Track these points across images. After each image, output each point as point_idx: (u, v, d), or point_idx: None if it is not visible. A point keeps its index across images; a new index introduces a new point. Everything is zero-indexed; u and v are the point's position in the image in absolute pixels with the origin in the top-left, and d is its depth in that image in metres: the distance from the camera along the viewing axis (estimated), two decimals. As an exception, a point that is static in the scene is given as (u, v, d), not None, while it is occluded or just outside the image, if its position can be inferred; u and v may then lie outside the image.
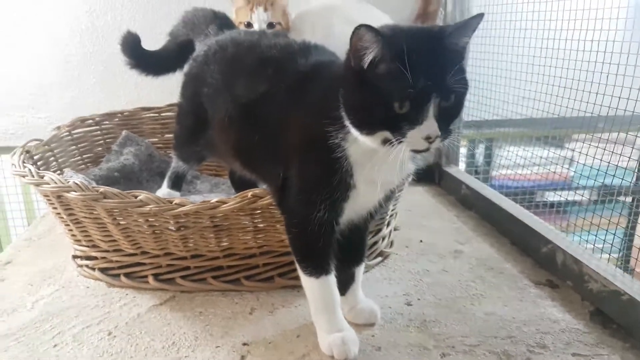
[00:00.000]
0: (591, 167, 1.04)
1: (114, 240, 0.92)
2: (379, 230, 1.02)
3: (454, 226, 1.23)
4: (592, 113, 1.01)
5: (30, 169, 0.89)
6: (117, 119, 1.30)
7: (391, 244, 1.09)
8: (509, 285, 0.95)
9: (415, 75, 0.60)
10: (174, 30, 1.18)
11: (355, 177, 0.70)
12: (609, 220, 1.01)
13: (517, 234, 1.11)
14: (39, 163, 1.05)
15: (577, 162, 1.15)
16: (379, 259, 1.03)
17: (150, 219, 0.86)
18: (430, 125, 0.62)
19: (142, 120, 1.33)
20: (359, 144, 0.67)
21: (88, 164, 1.22)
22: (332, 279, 0.75)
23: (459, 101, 0.65)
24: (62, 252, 1.07)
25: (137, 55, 1.15)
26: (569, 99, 1.06)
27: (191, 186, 1.30)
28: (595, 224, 1.00)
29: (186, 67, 1.03)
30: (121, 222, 0.88)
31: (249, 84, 0.83)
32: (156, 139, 1.35)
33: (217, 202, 0.82)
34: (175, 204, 0.83)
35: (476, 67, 1.38)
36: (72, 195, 0.84)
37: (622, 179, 0.98)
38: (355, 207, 0.75)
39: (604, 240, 0.97)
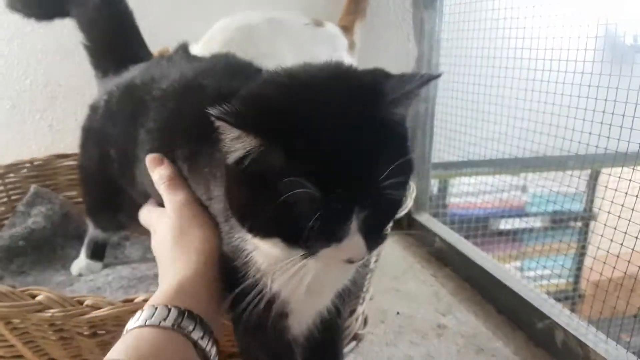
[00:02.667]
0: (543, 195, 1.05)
1: (11, 346, 0.70)
2: (354, 310, 0.85)
3: (432, 289, 1.09)
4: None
5: None
6: (25, 170, 1.08)
7: (365, 321, 0.92)
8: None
9: (324, 187, 0.39)
10: None
11: (275, 286, 0.51)
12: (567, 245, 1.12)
13: (503, 301, 0.99)
14: None
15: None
16: (353, 343, 0.85)
17: (56, 323, 0.65)
18: (352, 246, 0.43)
19: (56, 170, 1.11)
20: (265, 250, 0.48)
21: None
22: None
23: (396, 206, 0.47)
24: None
25: None
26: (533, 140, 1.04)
27: (118, 251, 1.08)
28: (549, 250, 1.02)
29: (84, 120, 0.82)
30: (18, 326, 0.66)
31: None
32: (74, 192, 1.13)
33: (143, 301, 0.62)
34: (87, 305, 0.62)
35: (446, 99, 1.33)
36: (-58, 297, 0.61)
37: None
38: (304, 315, 0.57)
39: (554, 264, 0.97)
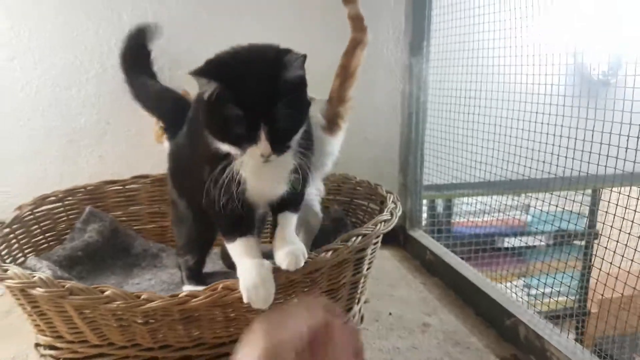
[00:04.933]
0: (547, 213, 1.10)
1: (80, 332, 0.89)
2: (350, 308, 1.03)
3: (420, 295, 1.26)
4: (548, 173, 1.08)
5: (-9, 263, 0.86)
6: (80, 194, 1.27)
7: (362, 319, 1.10)
8: (476, 362, 0.96)
9: (244, 107, 0.72)
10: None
11: (243, 173, 0.82)
12: (566, 264, 1.10)
13: (481, 304, 1.14)
14: (1, 247, 1.01)
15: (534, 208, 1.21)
16: (350, 337, 1.03)
17: (117, 313, 0.84)
18: (262, 146, 0.74)
19: (106, 194, 1.31)
20: None
21: (51, 243, 1.19)
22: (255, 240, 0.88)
23: (291, 124, 0.77)
24: (23, 338, 1.02)
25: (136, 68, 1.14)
26: (527, 164, 1.13)
27: (157, 260, 1.28)
28: (553, 267, 1.06)
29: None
30: (88, 316, 0.85)
31: None
32: (120, 212, 1.33)
33: (186, 296, 0.82)
34: (143, 299, 0.81)
35: (433, 132, 1.48)
36: (37, 291, 0.81)
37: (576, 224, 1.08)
38: (259, 194, 0.87)
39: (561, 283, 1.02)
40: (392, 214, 1.02)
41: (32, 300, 0.87)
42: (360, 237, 0.91)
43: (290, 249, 0.83)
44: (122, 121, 1.42)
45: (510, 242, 1.61)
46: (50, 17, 1.35)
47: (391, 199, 1.11)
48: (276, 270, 0.82)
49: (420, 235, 1.52)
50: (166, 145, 1.11)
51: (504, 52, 1.20)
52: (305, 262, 0.83)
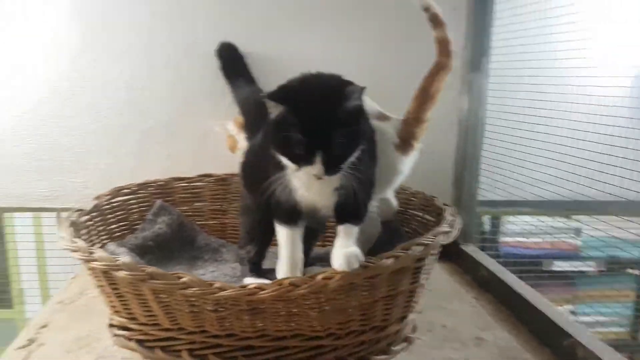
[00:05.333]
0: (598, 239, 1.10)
1: (154, 315, 0.95)
2: (405, 316, 1.04)
3: (473, 310, 1.26)
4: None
5: (80, 245, 0.93)
6: (151, 188, 1.35)
7: (414, 328, 1.11)
8: (531, 379, 0.96)
9: (304, 133, 0.81)
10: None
11: (295, 181, 0.94)
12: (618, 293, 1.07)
13: (536, 323, 1.14)
14: (82, 232, 1.09)
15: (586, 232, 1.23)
16: (404, 344, 1.04)
17: (191, 299, 0.89)
18: (316, 167, 0.83)
19: (174, 190, 1.39)
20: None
21: (124, 232, 1.26)
22: (299, 232, 1.01)
23: (345, 151, 0.85)
24: (96, 318, 1.10)
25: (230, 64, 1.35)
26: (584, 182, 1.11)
27: (217, 255, 1.34)
28: (604, 296, 1.05)
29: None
30: (163, 300, 0.91)
31: None
32: (186, 207, 1.40)
33: (255, 288, 0.86)
34: (216, 287, 0.86)
35: (491, 147, 1.49)
36: (120, 274, 0.87)
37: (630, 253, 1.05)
38: (308, 202, 0.97)
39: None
40: (451, 227, 1.04)
41: (112, 282, 0.94)
42: (420, 247, 0.93)
43: (346, 251, 0.87)
44: (190, 123, 1.48)
45: (559, 266, 1.58)
46: (128, 22, 1.43)
47: (449, 212, 1.12)
48: (335, 274, 0.85)
49: (473, 250, 1.52)
50: (238, 154, 1.18)
51: (566, 71, 1.20)
52: (366, 266, 0.86)
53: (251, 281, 1.11)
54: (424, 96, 1.10)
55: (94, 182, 1.48)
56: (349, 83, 0.86)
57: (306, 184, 0.93)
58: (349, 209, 0.96)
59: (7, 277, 1.64)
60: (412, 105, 1.11)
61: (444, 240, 0.99)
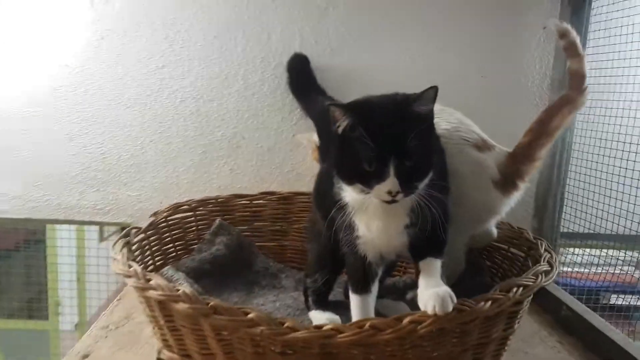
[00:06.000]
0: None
1: (211, 354, 0.85)
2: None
3: (558, 355, 1.12)
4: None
5: (136, 270, 0.85)
6: (211, 205, 1.28)
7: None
8: None
9: (376, 140, 0.73)
10: None
11: (357, 221, 0.84)
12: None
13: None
14: (135, 253, 1.01)
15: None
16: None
17: (256, 339, 0.79)
18: (390, 182, 0.74)
19: (234, 208, 1.31)
20: (351, 193, 0.81)
21: (179, 252, 1.19)
22: (371, 297, 0.91)
23: (420, 162, 0.76)
24: (143, 348, 1.02)
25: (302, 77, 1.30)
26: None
27: (276, 281, 1.25)
28: None
29: None
30: (224, 337, 0.82)
31: None
32: (245, 227, 1.32)
33: (332, 330, 0.75)
34: (287, 327, 0.76)
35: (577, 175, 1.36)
36: (180, 306, 0.78)
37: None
38: (372, 247, 0.87)
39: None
40: (551, 265, 0.91)
41: (168, 314, 0.85)
42: (521, 289, 0.81)
43: (437, 291, 0.76)
44: (256, 137, 1.43)
45: (619, 299, 1.43)
46: (203, 30, 1.39)
47: (544, 247, 1.00)
48: (424, 317, 0.74)
49: (554, 288, 1.37)
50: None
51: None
52: (461, 310, 0.75)
53: (318, 316, 1.01)
54: (541, 131, 0.98)
55: (148, 196, 1.43)
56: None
57: (367, 220, 0.83)
58: (427, 243, 0.85)
59: (45, 289, 1.60)
60: (524, 138, 0.99)
61: (545, 281, 0.86)
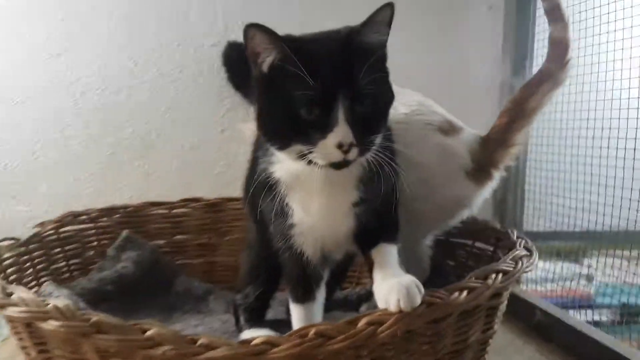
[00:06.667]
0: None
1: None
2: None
3: (540, 367, 0.97)
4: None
5: (-9, 283, 0.64)
6: (117, 215, 1.10)
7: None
8: None
9: (316, 77, 0.57)
10: None
11: (291, 203, 0.68)
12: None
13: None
14: (9, 271, 0.81)
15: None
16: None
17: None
18: (340, 132, 0.57)
19: (148, 218, 1.13)
20: (284, 165, 0.66)
21: (74, 273, 1.01)
22: (316, 306, 0.75)
23: (376, 105, 0.61)
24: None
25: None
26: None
27: (202, 304, 1.06)
28: None
29: None
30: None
31: None
32: (163, 242, 1.14)
33: (263, 343, 0.56)
34: (202, 345, 0.56)
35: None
36: (49, 325, 0.57)
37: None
38: (312, 237, 0.71)
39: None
40: (529, 250, 0.77)
41: (39, 339, 0.65)
42: (500, 275, 0.67)
43: (398, 281, 0.60)
44: (176, 134, 1.26)
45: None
46: (108, 11, 1.23)
47: (515, 234, 0.86)
48: (385, 315, 0.58)
49: (522, 291, 1.25)
50: None
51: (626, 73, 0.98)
52: (431, 303, 0.60)
53: (250, 335, 0.81)
54: (518, 111, 0.86)
55: (43, 210, 1.22)
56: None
57: (309, 196, 0.67)
58: (378, 224, 0.70)
59: None
60: (500, 120, 0.87)
61: (527, 267, 0.72)
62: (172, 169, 1.27)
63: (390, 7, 0.60)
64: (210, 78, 1.23)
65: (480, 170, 0.84)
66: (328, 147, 0.57)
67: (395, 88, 0.70)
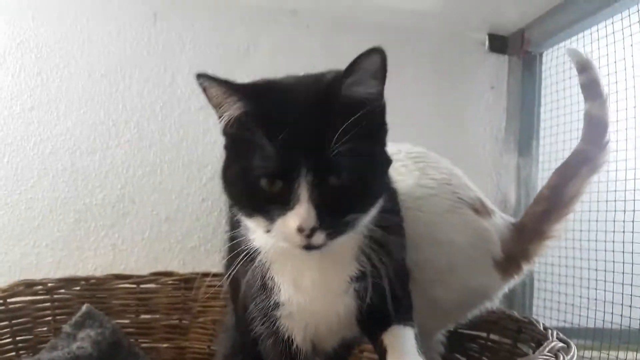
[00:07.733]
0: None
1: None
2: None
3: None
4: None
5: None
6: (78, 288, 0.99)
7: None
8: None
9: (274, 139, 0.47)
10: None
11: (276, 277, 0.57)
12: None
13: None
14: None
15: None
16: None
17: None
18: (300, 212, 0.47)
19: (112, 292, 1.02)
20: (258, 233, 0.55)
21: (23, 350, 0.90)
22: None
23: (359, 177, 0.49)
24: None
25: None
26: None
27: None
28: None
29: None
30: None
31: None
32: (127, 321, 1.02)
33: None
34: None
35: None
36: None
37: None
38: (302, 322, 0.59)
39: None
40: (566, 342, 0.66)
41: None
42: None
43: None
44: (152, 202, 1.17)
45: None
46: (88, 67, 1.17)
47: (542, 325, 0.75)
48: None
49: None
50: None
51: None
52: None
53: None
54: (556, 199, 0.77)
55: None
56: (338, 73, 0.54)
57: (298, 271, 0.56)
58: (386, 304, 0.58)
59: None
60: (535, 208, 0.79)
61: None
62: (144, 240, 1.17)
63: (377, 53, 0.48)
64: (194, 143, 1.17)
65: (509, 261, 0.75)
66: (287, 228, 0.48)
67: (420, 148, 0.64)
